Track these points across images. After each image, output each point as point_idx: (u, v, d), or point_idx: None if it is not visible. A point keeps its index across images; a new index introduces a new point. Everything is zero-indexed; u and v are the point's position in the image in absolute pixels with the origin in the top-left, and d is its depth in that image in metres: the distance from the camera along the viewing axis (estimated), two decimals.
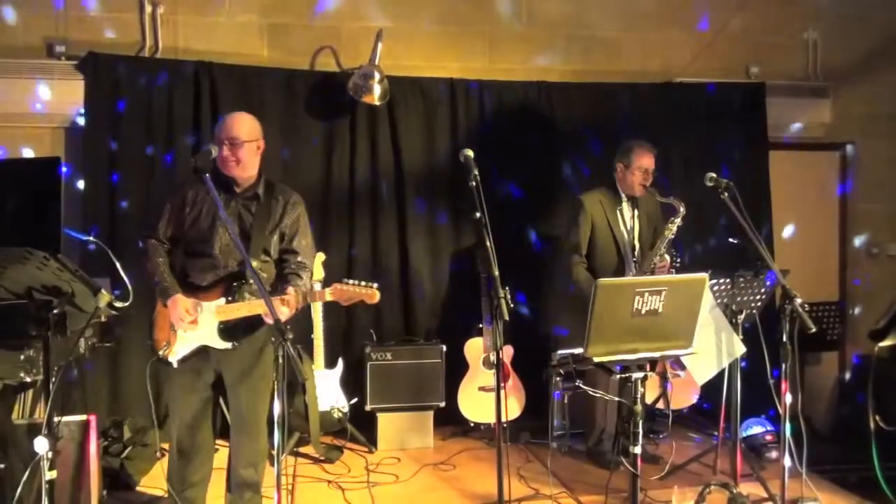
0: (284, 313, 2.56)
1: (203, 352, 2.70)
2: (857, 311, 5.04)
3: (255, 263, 2.69)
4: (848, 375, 4.85)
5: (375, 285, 2.69)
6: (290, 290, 2.63)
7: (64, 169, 4.00)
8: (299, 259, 2.81)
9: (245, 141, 2.70)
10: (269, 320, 2.59)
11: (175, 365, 2.71)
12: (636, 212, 3.76)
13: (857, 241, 5.06)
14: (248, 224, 2.73)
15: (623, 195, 3.73)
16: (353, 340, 4.32)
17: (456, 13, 4.53)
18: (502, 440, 2.51)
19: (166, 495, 3.28)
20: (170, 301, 2.65)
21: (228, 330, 2.68)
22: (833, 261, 5.15)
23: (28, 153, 4.03)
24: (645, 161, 3.66)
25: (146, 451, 3.57)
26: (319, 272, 3.73)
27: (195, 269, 2.72)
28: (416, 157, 4.43)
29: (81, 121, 4.02)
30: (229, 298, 2.67)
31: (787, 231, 4.98)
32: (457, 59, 4.54)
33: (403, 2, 4.46)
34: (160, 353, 2.70)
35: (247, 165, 2.72)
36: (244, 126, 2.73)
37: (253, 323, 2.69)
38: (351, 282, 2.67)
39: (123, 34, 4.13)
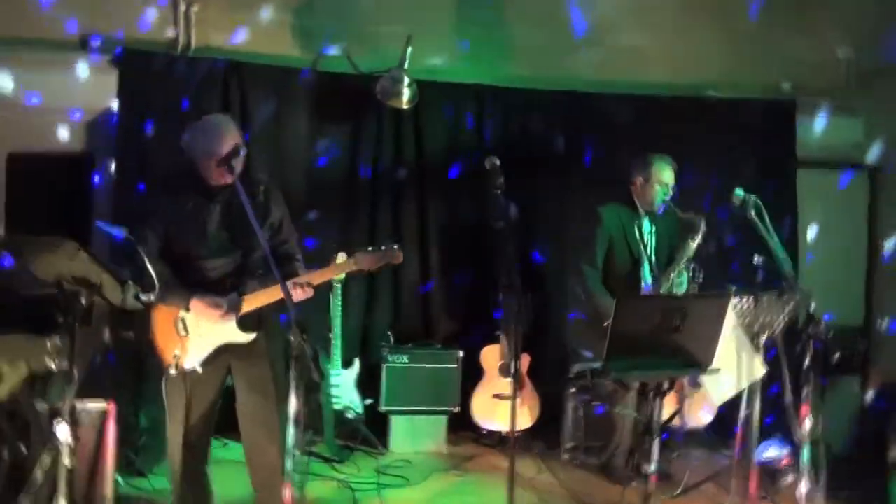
0: (309, 293, 2.60)
1: (222, 351, 2.70)
2: (882, 334, 4.95)
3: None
4: (869, 399, 4.76)
5: (396, 246, 2.69)
6: (301, 274, 2.67)
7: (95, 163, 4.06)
8: (291, 247, 2.83)
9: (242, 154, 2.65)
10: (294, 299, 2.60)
11: (199, 370, 2.67)
12: (654, 227, 3.71)
13: (886, 251, 4.93)
14: (232, 223, 2.70)
15: (641, 209, 3.69)
16: (371, 341, 4.34)
17: (485, 19, 4.52)
18: (515, 449, 2.51)
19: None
20: (192, 304, 2.62)
21: (244, 323, 2.68)
22: (859, 282, 5.06)
23: (61, 145, 4.08)
24: (665, 175, 3.58)
25: (160, 444, 3.60)
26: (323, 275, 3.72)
27: (194, 277, 2.68)
28: (441, 162, 4.43)
29: (114, 114, 4.08)
30: (240, 291, 2.67)
31: (814, 250, 4.90)
32: (485, 65, 4.54)
33: (433, 6, 4.47)
34: (173, 365, 2.63)
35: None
36: (240, 138, 2.67)
37: (262, 315, 2.70)
38: (371, 248, 2.69)
39: (157, 30, 4.17)
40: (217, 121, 2.73)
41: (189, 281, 2.67)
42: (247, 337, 2.69)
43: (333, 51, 4.34)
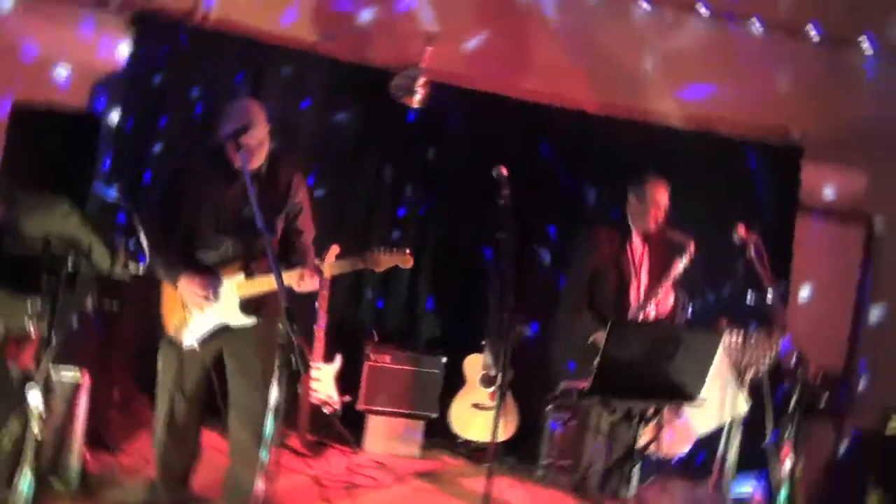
0: (313, 284, 2.60)
1: (220, 332, 2.67)
2: (861, 386, 4.98)
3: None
4: (844, 448, 4.79)
5: (408, 250, 2.69)
6: (316, 261, 2.69)
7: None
8: (304, 239, 2.80)
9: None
10: (300, 288, 2.60)
11: (196, 347, 2.66)
12: (646, 248, 3.65)
13: (874, 315, 4.98)
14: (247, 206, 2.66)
15: (633, 230, 3.63)
16: (354, 336, 4.27)
17: (510, 28, 4.48)
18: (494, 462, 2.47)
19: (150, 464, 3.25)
20: (180, 284, 2.61)
21: (246, 305, 2.66)
22: (843, 331, 5.09)
23: (67, 98, 3.99)
24: (659, 194, 3.49)
25: (131, 420, 3.54)
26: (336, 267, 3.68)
27: (204, 248, 2.68)
28: (447, 166, 4.40)
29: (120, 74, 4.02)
30: (248, 273, 2.65)
31: (803, 296, 4.92)
32: (503, 74, 4.49)
33: (459, 9, 4.44)
34: (172, 335, 2.65)
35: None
36: (254, 119, 2.64)
37: (263, 301, 2.67)
38: (382, 248, 2.69)
39: None
40: (233, 103, 2.76)
41: (202, 252, 2.68)
42: (246, 320, 2.66)
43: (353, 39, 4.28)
